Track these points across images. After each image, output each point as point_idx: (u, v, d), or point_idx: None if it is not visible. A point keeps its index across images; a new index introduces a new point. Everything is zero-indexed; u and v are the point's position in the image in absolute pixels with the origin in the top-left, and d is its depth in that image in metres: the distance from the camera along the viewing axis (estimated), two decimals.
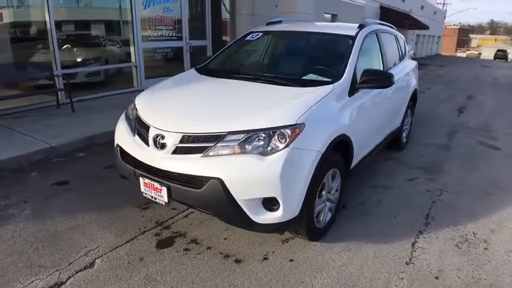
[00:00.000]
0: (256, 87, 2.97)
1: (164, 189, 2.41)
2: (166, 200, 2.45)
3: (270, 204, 2.32)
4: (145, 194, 2.58)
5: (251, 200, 2.28)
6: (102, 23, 7.51)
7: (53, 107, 6.08)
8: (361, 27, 3.60)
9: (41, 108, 5.99)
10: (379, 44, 3.88)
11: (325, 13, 14.99)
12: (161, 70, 8.40)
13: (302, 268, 2.52)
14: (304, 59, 3.54)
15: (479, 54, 52.63)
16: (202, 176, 2.28)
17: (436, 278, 2.48)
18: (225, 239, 2.83)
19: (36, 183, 3.69)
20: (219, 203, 2.27)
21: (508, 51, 43.73)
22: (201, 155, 2.32)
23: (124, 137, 2.80)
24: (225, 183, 2.22)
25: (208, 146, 2.32)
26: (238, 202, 2.25)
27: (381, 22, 4.34)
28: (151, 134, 2.51)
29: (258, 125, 2.33)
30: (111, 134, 5.24)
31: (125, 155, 2.74)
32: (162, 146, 2.43)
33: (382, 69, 3.79)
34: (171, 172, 2.38)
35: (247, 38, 3.88)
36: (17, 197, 3.37)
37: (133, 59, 7.70)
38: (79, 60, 7.11)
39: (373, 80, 3.00)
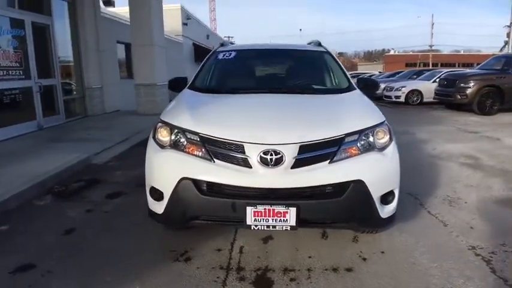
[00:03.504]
0: (296, 98, 2.96)
1: (291, 210, 2.10)
2: (294, 224, 2.13)
3: (384, 198, 2.38)
4: (257, 226, 2.16)
5: (378, 198, 2.29)
6: None
7: None
8: (318, 43, 4.06)
9: None
10: None
11: None
12: (9, 117, 6.53)
13: (397, 254, 2.64)
14: (300, 72, 3.66)
15: None
16: (342, 183, 2.14)
17: (471, 228, 3.09)
18: (310, 257, 2.62)
19: None
20: (360, 206, 2.19)
21: None
22: (328, 161, 2.17)
23: (194, 167, 2.22)
24: (366, 183, 2.16)
25: (332, 151, 2.20)
26: (375, 201, 2.23)
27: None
28: (255, 152, 2.14)
29: (362, 124, 2.38)
30: (23, 195, 3.86)
31: (204, 188, 2.19)
32: (277, 163, 2.12)
33: None
34: (301, 188, 2.12)
35: (220, 56, 3.69)
36: None
37: None
38: None
39: (369, 86, 3.45)
